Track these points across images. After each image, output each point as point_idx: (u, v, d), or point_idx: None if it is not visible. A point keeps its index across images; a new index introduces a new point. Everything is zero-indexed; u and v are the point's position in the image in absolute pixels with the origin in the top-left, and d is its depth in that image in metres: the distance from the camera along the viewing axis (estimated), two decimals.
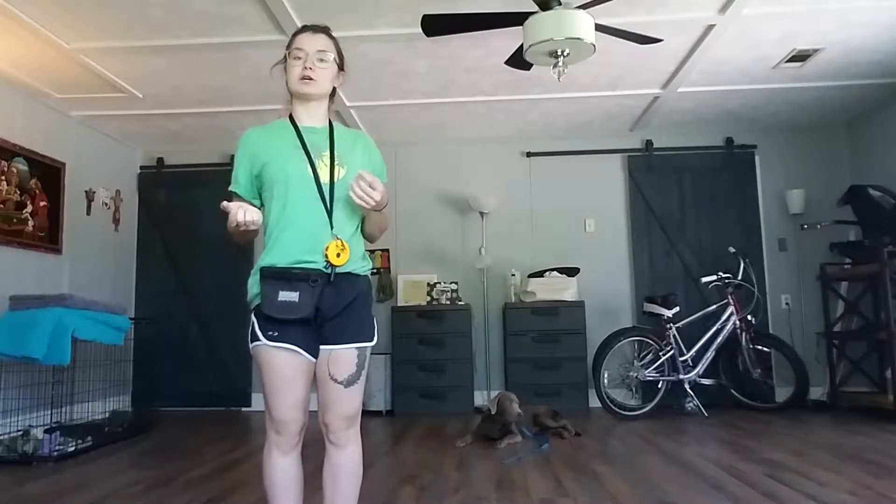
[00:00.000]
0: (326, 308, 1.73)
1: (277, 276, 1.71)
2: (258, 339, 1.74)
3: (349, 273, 1.77)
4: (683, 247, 5.72)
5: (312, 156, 1.77)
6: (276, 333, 1.72)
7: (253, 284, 1.78)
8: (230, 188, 1.83)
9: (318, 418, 1.80)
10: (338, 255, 1.72)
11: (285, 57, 1.83)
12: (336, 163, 1.79)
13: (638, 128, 5.73)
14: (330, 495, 1.80)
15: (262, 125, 1.88)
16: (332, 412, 1.77)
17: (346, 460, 1.80)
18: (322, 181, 1.76)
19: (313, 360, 1.77)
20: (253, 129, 1.86)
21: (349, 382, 1.76)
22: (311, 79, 1.78)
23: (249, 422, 5.17)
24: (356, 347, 1.77)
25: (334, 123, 1.89)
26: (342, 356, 1.76)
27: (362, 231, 1.90)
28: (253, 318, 1.76)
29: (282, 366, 1.73)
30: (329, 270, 1.72)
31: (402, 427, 4.74)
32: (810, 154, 5.76)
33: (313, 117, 1.85)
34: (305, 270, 1.71)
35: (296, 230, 1.73)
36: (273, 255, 1.74)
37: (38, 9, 3.45)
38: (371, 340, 1.81)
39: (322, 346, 1.76)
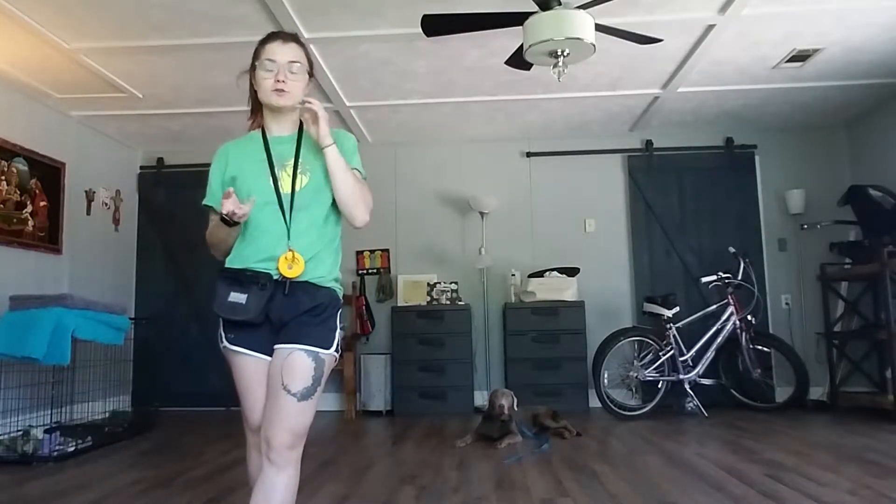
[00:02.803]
0: (277, 314, 1.70)
1: (231, 278, 1.72)
2: (222, 341, 1.76)
3: (307, 282, 1.71)
4: (683, 247, 5.72)
5: (276, 167, 1.75)
6: (233, 336, 1.73)
7: None
8: (205, 202, 1.82)
9: (261, 432, 1.67)
10: (289, 267, 1.68)
11: (253, 66, 1.78)
12: (299, 171, 1.75)
13: (638, 128, 5.73)
14: None
15: (235, 139, 1.86)
16: (278, 426, 1.62)
17: (282, 485, 1.63)
18: (283, 192, 1.73)
19: None
20: (225, 145, 1.84)
21: (303, 396, 1.64)
22: (284, 91, 1.74)
23: None
24: (311, 353, 1.66)
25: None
26: (298, 365, 1.65)
27: (345, 213, 1.79)
28: (221, 321, 1.77)
29: (244, 368, 1.74)
30: (282, 279, 1.70)
31: (402, 427, 4.74)
32: (810, 154, 5.76)
33: (283, 126, 1.81)
34: (255, 273, 1.70)
35: (254, 243, 1.73)
36: (233, 262, 1.75)
37: (38, 9, 3.45)
38: (328, 349, 1.70)
39: (278, 346, 1.69)
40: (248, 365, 1.73)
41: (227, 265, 1.76)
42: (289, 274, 1.68)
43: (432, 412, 5.27)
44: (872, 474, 2.99)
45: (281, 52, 1.75)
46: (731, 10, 3.57)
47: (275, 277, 1.69)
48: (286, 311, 1.70)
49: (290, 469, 1.65)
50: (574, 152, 5.90)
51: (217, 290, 1.72)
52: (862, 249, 5.00)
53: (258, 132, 1.83)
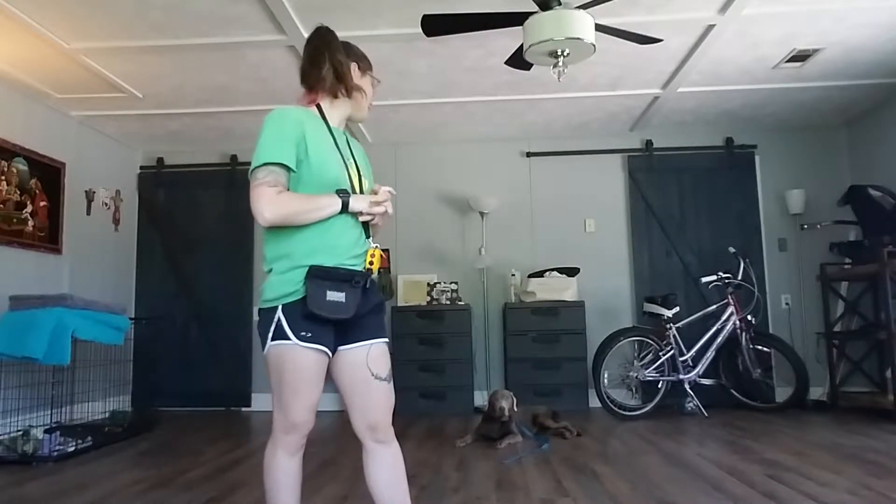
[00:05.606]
0: (361, 309, 1.75)
1: (324, 276, 1.67)
2: (287, 339, 1.67)
3: (371, 278, 1.84)
4: (683, 247, 5.72)
5: (347, 164, 1.80)
6: (310, 334, 1.67)
7: (280, 283, 1.70)
8: (275, 159, 1.65)
9: (360, 424, 1.77)
10: (371, 263, 1.80)
11: (363, 70, 1.90)
12: (361, 174, 1.84)
13: (638, 128, 5.73)
14: (392, 497, 1.77)
15: (294, 107, 1.77)
16: (379, 410, 1.77)
17: (400, 457, 1.80)
18: (356, 190, 1.80)
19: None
20: (297, 111, 1.74)
21: (389, 379, 1.81)
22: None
23: (249, 422, 5.17)
24: (385, 344, 1.83)
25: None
26: (379, 353, 1.80)
27: None
28: (280, 316, 1.68)
29: (309, 367, 1.70)
30: (368, 275, 1.79)
31: (402, 427, 4.73)
32: (810, 154, 5.76)
33: (341, 121, 1.89)
34: (349, 271, 1.72)
35: (337, 239, 1.74)
36: (320, 255, 1.70)
37: (38, 9, 3.45)
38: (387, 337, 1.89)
39: (355, 344, 1.77)
40: (316, 363, 1.71)
41: (313, 263, 1.68)
42: (373, 269, 1.80)
43: (432, 412, 5.27)
44: (872, 474, 2.99)
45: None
46: (731, 10, 3.57)
47: (364, 273, 1.78)
48: (363, 306, 1.76)
49: (395, 441, 1.81)
50: (574, 152, 5.91)
51: (309, 289, 1.65)
52: (862, 249, 5.00)
53: (316, 113, 1.82)
